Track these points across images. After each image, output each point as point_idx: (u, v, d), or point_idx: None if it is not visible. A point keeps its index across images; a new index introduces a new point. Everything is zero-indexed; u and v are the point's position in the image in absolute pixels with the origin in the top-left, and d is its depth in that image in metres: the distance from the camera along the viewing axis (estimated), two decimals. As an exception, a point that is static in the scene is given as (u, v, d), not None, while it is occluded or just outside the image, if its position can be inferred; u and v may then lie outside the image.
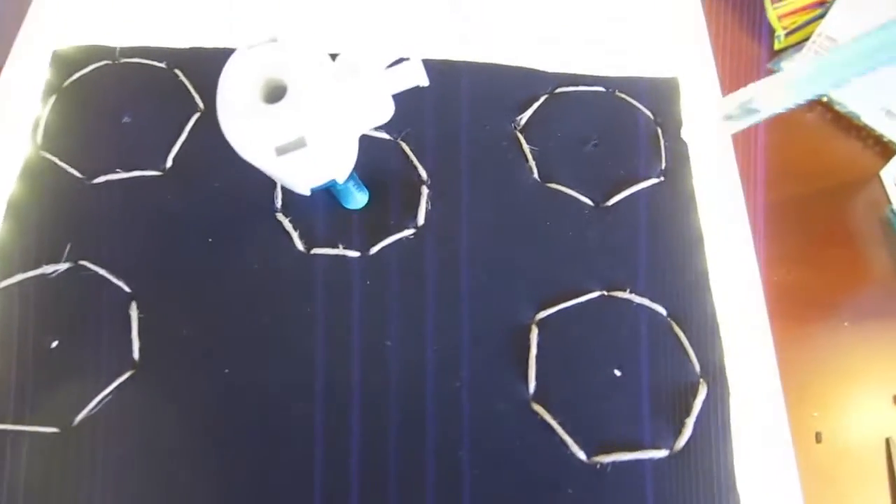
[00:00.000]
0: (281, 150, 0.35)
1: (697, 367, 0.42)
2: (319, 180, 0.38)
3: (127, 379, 0.40)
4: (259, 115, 0.34)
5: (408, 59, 0.38)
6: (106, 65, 0.50)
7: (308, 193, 0.39)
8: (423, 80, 0.37)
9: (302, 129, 0.34)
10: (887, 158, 0.91)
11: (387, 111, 0.38)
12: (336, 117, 0.35)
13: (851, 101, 0.97)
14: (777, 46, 0.81)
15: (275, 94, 0.35)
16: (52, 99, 0.49)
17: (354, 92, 0.36)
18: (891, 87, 0.90)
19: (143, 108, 0.49)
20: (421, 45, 0.51)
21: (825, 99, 0.95)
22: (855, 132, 0.96)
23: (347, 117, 0.37)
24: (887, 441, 0.68)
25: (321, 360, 0.41)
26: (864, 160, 0.98)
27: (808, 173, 0.97)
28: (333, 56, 0.36)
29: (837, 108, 1.00)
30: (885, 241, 0.89)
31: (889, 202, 0.91)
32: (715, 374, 0.42)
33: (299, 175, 0.37)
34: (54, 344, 0.41)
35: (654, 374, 0.42)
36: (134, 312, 0.42)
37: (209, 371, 0.41)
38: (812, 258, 0.85)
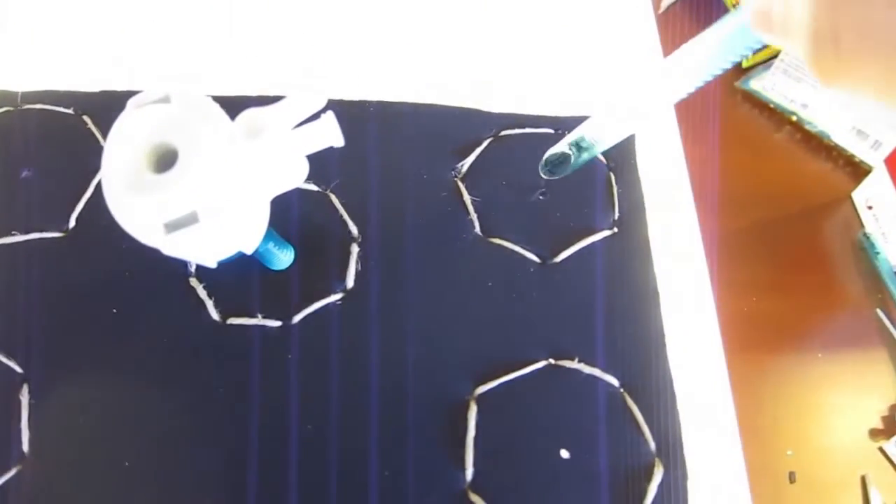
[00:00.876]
0: (171, 227, 0.30)
1: (653, 446, 0.38)
2: (223, 254, 0.34)
3: (14, 475, 0.36)
4: (145, 186, 0.30)
5: (322, 112, 0.33)
6: (6, 112, 0.46)
7: (214, 266, 0.35)
8: (339, 141, 0.33)
9: (194, 203, 0.30)
10: (859, 179, 0.88)
11: (300, 173, 0.34)
12: (236, 186, 0.31)
13: (821, 120, 0.94)
14: (745, 64, 0.79)
15: (165, 161, 0.31)
16: (-53, 151, 0.45)
17: (258, 156, 0.32)
18: (861, 105, 0.87)
19: (46, 160, 0.44)
20: (351, 86, 0.47)
21: (794, 118, 0.92)
22: (825, 152, 0.92)
23: (251, 184, 0.32)
24: (863, 479, 0.64)
25: (238, 448, 0.37)
26: (836, 181, 0.95)
27: (778, 195, 0.94)
28: (239, 102, 0.32)
29: (807, 127, 0.96)
30: (857, 267, 0.85)
31: (861, 225, 0.88)
32: (671, 453, 0.38)
33: (196, 251, 0.33)
34: (-68, 436, 0.37)
35: (604, 456, 0.38)
36: (25, 397, 0.37)
37: (107, 465, 0.36)
38: (783, 285, 0.81)
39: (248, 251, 0.36)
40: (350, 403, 0.39)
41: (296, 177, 0.34)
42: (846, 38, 0.22)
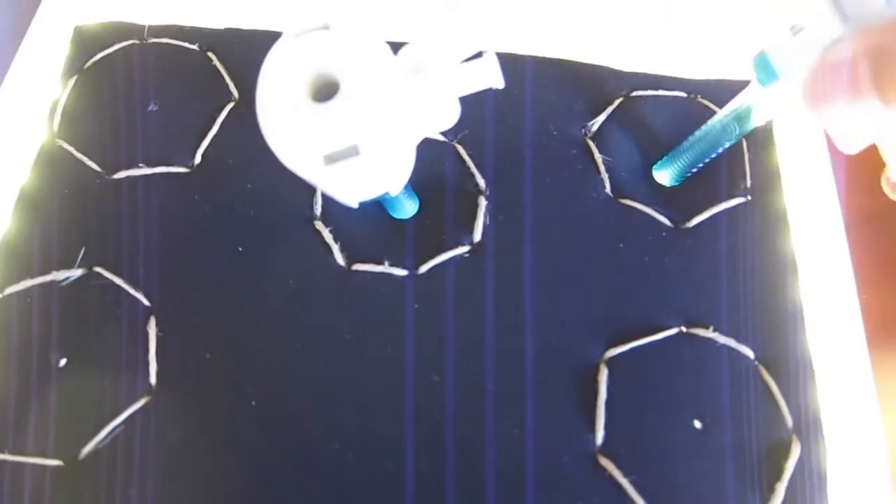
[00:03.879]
0: (330, 159, 0.29)
1: (790, 422, 0.37)
2: (371, 193, 0.33)
3: (142, 407, 0.36)
4: (306, 115, 0.29)
5: (481, 55, 0.32)
6: (133, 45, 0.45)
7: (356, 206, 0.34)
8: (499, 82, 0.32)
9: (356, 135, 0.29)
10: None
11: (452, 115, 0.33)
12: (395, 121, 0.30)
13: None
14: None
15: (325, 91, 0.30)
16: (73, 81, 0.44)
17: (418, 92, 0.31)
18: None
19: (171, 95, 0.44)
20: (489, 37, 0.46)
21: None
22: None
23: (408, 121, 0.31)
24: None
25: (361, 394, 0.36)
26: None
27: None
28: (395, 46, 0.31)
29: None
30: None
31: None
32: (810, 431, 0.37)
33: (349, 187, 0.32)
34: (62, 362, 0.36)
35: (739, 428, 0.37)
36: (152, 329, 0.37)
37: (233, 402, 0.36)
38: (882, 278, 0.78)
39: (395, 192, 0.35)
40: (473, 356, 0.38)
41: (449, 118, 0.33)
42: None
